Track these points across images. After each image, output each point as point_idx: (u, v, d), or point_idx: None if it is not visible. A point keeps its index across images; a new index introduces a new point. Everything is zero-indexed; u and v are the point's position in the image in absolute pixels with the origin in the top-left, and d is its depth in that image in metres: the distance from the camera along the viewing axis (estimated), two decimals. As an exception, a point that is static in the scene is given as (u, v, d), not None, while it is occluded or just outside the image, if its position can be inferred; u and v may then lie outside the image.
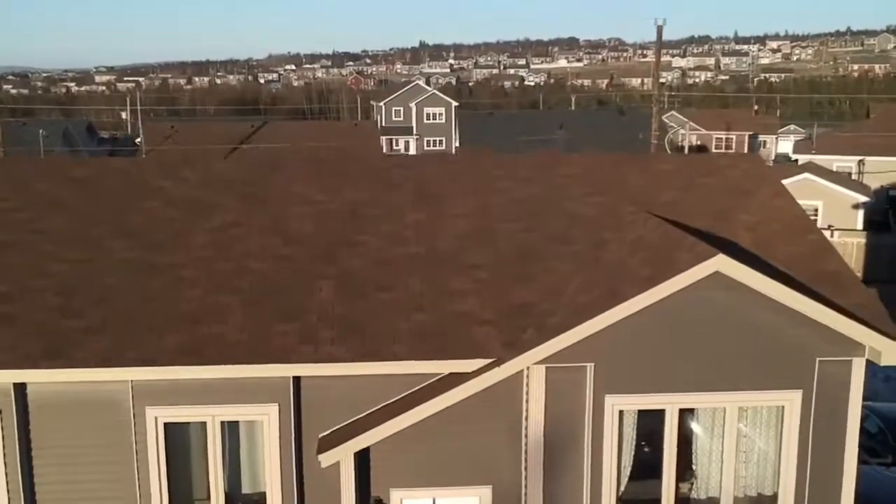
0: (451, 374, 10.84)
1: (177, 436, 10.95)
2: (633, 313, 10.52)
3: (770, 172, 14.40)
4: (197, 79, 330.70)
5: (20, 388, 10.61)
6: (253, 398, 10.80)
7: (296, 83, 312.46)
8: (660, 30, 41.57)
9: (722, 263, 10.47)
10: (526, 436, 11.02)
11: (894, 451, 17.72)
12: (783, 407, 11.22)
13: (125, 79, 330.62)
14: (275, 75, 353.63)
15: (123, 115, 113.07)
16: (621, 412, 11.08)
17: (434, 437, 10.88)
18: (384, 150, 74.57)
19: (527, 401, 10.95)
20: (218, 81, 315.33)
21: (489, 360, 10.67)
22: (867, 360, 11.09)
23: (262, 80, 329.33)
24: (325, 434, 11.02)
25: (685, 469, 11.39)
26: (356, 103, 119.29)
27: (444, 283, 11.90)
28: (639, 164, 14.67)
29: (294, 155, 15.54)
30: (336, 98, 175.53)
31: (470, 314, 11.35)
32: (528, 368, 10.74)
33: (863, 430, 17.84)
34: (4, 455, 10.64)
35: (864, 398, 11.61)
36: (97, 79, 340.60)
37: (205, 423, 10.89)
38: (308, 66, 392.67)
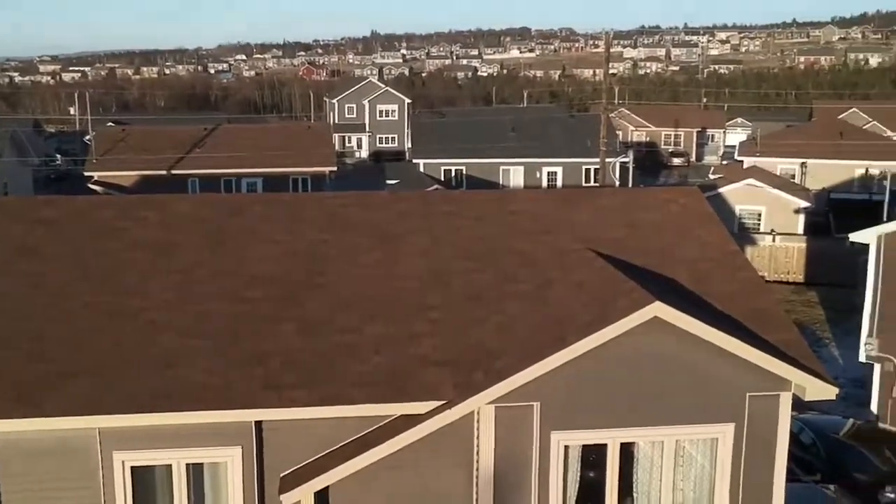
0: (405, 415, 11.47)
1: (143, 478, 11.42)
2: (576, 357, 11.29)
3: (707, 208, 15.24)
4: (145, 69, 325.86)
5: (-9, 436, 11.02)
6: (217, 441, 11.32)
7: (246, 73, 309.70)
8: (608, 38, 42.55)
9: (659, 309, 11.25)
10: (477, 470, 11.71)
11: (826, 463, 18.71)
12: (717, 438, 12.07)
13: (70, 69, 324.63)
14: (225, 65, 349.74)
15: (71, 110, 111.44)
16: (566, 447, 11.84)
17: (390, 475, 11.49)
18: (336, 148, 74.81)
19: (478, 437, 11.64)
20: (167, 72, 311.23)
21: (442, 402, 11.32)
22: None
23: (211, 70, 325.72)
24: (286, 473, 11.58)
25: (626, 496, 12.18)
26: (308, 96, 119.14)
27: (401, 325, 12.50)
28: (584, 201, 15.39)
29: (256, 198, 16.07)
30: (288, 90, 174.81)
31: (424, 356, 11.97)
32: (478, 408, 11.44)
33: (797, 443, 18.92)
34: (-25, 500, 11.05)
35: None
36: (41, 68, 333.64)
37: (170, 465, 11.39)
38: (259, 56, 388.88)
